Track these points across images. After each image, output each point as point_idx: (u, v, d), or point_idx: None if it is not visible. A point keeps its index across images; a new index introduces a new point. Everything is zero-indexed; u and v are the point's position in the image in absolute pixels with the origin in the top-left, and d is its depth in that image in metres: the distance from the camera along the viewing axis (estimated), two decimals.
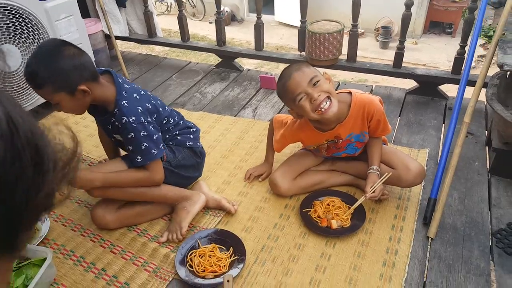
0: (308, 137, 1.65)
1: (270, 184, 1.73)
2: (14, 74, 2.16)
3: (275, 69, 5.06)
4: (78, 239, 1.58)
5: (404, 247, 1.47)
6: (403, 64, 2.42)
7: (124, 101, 1.42)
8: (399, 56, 2.37)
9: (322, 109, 1.42)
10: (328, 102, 1.42)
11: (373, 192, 1.52)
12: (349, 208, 1.60)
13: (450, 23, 6.73)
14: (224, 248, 1.48)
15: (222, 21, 2.86)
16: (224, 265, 1.42)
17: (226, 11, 7.55)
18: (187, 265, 1.43)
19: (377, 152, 1.62)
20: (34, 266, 1.36)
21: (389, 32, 6.45)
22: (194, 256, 1.45)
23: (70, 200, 1.77)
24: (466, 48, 2.09)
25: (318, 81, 1.42)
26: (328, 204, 1.64)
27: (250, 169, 1.85)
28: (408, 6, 2.22)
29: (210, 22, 7.49)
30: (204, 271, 1.40)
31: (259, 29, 2.75)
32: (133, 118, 1.40)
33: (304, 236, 1.55)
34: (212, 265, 1.41)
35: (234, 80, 2.80)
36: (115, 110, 1.42)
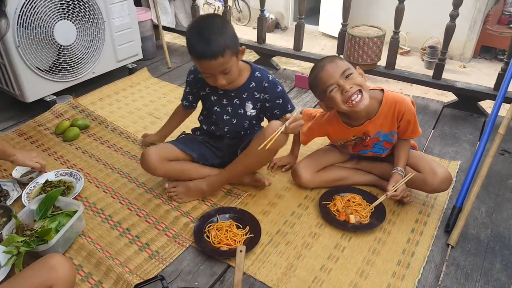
0: (336, 131, 1.68)
1: (292, 174, 1.77)
2: (68, 48, 2.33)
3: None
4: (108, 200, 1.70)
5: (421, 250, 1.47)
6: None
7: (257, 66, 1.63)
8: (439, 67, 2.36)
9: (353, 102, 1.45)
10: (359, 95, 1.45)
11: (395, 191, 1.52)
12: (371, 209, 1.61)
13: (504, 50, 6.51)
14: (241, 226, 1.54)
15: (264, 19, 2.95)
16: (239, 241, 1.47)
17: (271, 18, 7.68)
18: (204, 235, 1.50)
19: (404, 154, 1.62)
20: (67, 216, 1.47)
21: (436, 52, 6.32)
22: (212, 228, 1.52)
23: (104, 166, 1.90)
24: None
25: (350, 74, 1.45)
26: (348, 200, 1.66)
27: (275, 159, 1.90)
28: (453, 17, 2.21)
29: (254, 28, 7.64)
30: (219, 242, 1.46)
31: (299, 29, 2.82)
32: (272, 75, 1.63)
33: (320, 226, 1.58)
34: (228, 239, 1.47)
35: None
36: (256, 73, 1.60)
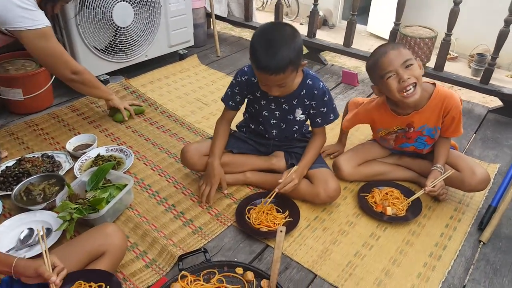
0: (381, 118, 1.70)
1: (333, 167, 1.82)
2: (125, 30, 2.47)
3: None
4: (156, 177, 1.83)
5: (453, 245, 1.51)
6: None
7: (310, 72, 1.62)
8: (488, 71, 2.33)
9: (407, 93, 1.48)
10: (413, 88, 1.48)
11: (433, 187, 1.55)
12: (408, 202, 1.65)
13: None
14: (281, 211, 1.62)
15: (317, 13, 2.99)
16: (279, 223, 1.56)
17: (319, 15, 7.63)
18: (245, 216, 1.59)
19: (444, 152, 1.64)
20: (117, 188, 1.60)
21: (484, 60, 6.08)
22: (253, 210, 1.61)
23: (153, 145, 2.04)
24: None
25: (411, 65, 1.47)
26: (386, 193, 1.71)
27: (325, 147, 1.94)
28: (508, 22, 2.18)
29: (301, 24, 7.61)
30: (259, 224, 1.56)
31: (351, 26, 2.84)
32: (323, 83, 1.61)
33: (357, 216, 1.64)
34: (268, 221, 1.56)
35: (317, 72, 2.92)
36: (308, 80, 1.59)
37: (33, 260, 1.11)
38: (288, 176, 1.56)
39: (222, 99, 1.72)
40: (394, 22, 2.65)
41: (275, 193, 1.56)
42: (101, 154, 1.88)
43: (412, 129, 1.65)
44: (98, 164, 1.77)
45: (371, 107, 1.72)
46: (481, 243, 1.51)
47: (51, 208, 1.57)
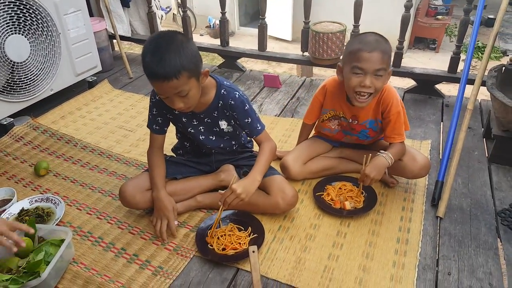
0: (333, 93, 1.66)
1: (281, 167, 1.77)
2: (23, 65, 2.16)
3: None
4: (95, 221, 1.59)
5: (415, 226, 1.53)
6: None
7: (224, 82, 1.50)
8: (398, 56, 2.48)
9: (359, 97, 1.49)
10: (367, 96, 1.49)
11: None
12: (361, 192, 1.65)
13: (434, 39, 7.00)
14: (243, 228, 1.51)
15: (226, 22, 2.93)
16: (244, 243, 1.44)
17: (217, 24, 7.67)
18: (207, 243, 1.45)
19: (395, 147, 1.61)
20: (52, 245, 1.34)
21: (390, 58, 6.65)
22: (214, 235, 1.47)
23: (82, 187, 1.78)
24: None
25: (381, 76, 1.45)
26: (340, 188, 1.70)
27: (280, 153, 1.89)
28: (408, 7, 2.36)
29: (201, 35, 7.57)
30: (225, 249, 1.42)
31: (262, 29, 2.83)
32: (240, 92, 1.49)
33: (318, 217, 1.60)
34: (232, 243, 1.44)
35: (238, 80, 2.86)
36: (222, 91, 1.47)
37: None
38: (228, 189, 1.41)
39: (147, 125, 1.59)
40: (303, 21, 2.70)
41: (222, 209, 1.44)
42: (25, 208, 1.59)
43: (356, 122, 1.66)
44: (24, 220, 1.49)
45: (328, 81, 1.68)
46: (439, 218, 1.56)
47: None
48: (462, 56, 2.36)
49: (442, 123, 2.24)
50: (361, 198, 1.64)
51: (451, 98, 2.48)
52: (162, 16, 8.02)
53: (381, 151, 1.59)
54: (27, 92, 2.23)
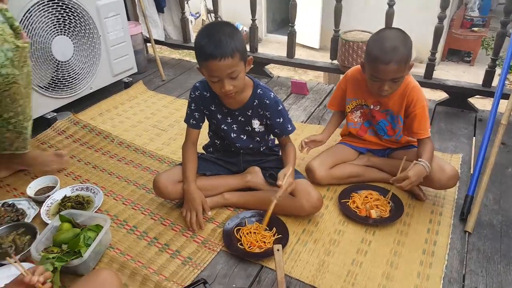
0: (355, 83, 1.76)
1: (306, 171, 1.82)
2: (66, 64, 2.32)
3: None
4: (130, 211, 1.70)
5: (442, 239, 1.55)
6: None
7: (260, 83, 1.61)
8: (430, 67, 2.50)
9: (380, 93, 1.59)
10: (387, 94, 1.58)
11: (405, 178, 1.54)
12: (388, 202, 1.68)
13: (469, 52, 6.88)
14: (267, 228, 1.57)
15: (256, 28, 3.03)
16: (269, 242, 1.51)
17: (245, 31, 7.81)
18: (235, 239, 1.53)
19: (426, 149, 1.64)
20: (89, 230, 1.45)
21: (411, 51, 6.59)
22: (241, 232, 1.55)
23: (118, 179, 1.90)
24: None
25: (398, 81, 1.55)
26: (366, 197, 1.73)
27: (309, 142, 1.85)
28: (441, 18, 2.38)
29: None
30: (250, 246, 1.49)
31: (291, 37, 2.91)
32: (274, 94, 1.61)
33: (343, 223, 1.64)
34: (257, 241, 1.50)
35: None
36: (258, 90, 1.58)
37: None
38: (286, 180, 1.49)
39: (184, 120, 1.69)
40: (334, 30, 2.75)
41: (273, 203, 1.48)
42: (67, 195, 1.72)
43: (379, 107, 1.72)
44: (67, 206, 1.62)
45: (350, 71, 1.78)
46: (467, 233, 1.57)
47: (25, 260, 1.39)
48: (498, 70, 2.35)
49: (474, 137, 2.23)
50: (387, 208, 1.67)
51: (484, 113, 2.47)
52: (191, 21, 8.28)
53: (419, 159, 1.59)
54: (69, 90, 2.39)
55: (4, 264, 1.39)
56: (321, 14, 6.75)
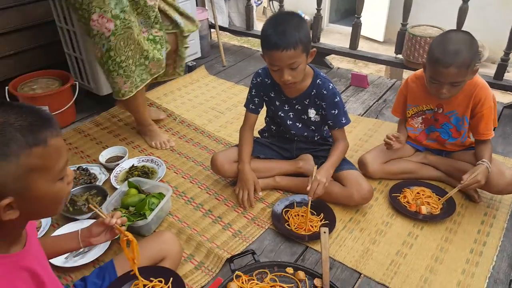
0: (415, 90, 1.76)
1: (359, 163, 1.87)
2: None
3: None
4: (188, 184, 1.87)
5: (493, 241, 1.55)
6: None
7: (320, 73, 1.67)
8: (501, 68, 2.41)
9: (440, 97, 1.60)
10: (445, 97, 1.59)
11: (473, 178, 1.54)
12: (439, 199, 1.70)
13: None
14: (315, 213, 1.66)
15: (320, 18, 3.07)
16: (315, 226, 1.59)
17: (306, 19, 7.78)
18: (283, 220, 1.63)
19: (486, 149, 1.65)
20: (153, 197, 1.63)
21: (478, 56, 6.23)
22: (289, 213, 1.65)
23: (179, 155, 2.07)
24: None
25: (458, 85, 1.55)
26: (418, 193, 1.75)
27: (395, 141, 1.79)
28: None
29: None
30: (297, 228, 1.59)
31: (356, 28, 2.92)
32: (333, 85, 1.66)
33: (391, 216, 1.68)
34: (305, 224, 1.59)
35: None
36: (318, 80, 1.65)
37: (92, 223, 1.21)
38: (313, 180, 1.58)
39: (244, 105, 1.80)
40: (401, 23, 2.73)
41: (310, 201, 1.58)
42: (135, 165, 1.92)
43: (442, 110, 1.71)
44: (134, 174, 1.82)
45: (410, 77, 1.78)
46: None
47: (95, 217, 1.60)
48: None
49: None
50: (439, 206, 1.68)
51: None
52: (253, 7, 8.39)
53: (483, 160, 1.60)
54: None
55: (78, 220, 1.61)
56: (389, 6, 6.58)
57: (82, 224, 1.57)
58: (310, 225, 1.60)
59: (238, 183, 1.74)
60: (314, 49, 1.56)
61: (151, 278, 1.17)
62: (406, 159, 1.89)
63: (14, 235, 0.82)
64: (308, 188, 1.56)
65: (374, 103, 2.61)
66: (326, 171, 1.61)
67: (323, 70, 3.07)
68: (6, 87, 2.18)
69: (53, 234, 1.53)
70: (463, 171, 1.62)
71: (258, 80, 1.73)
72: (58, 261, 1.40)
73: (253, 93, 1.76)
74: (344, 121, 1.68)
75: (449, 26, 2.55)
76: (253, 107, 1.77)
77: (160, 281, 1.17)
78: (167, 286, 1.16)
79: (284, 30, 1.44)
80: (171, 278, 1.18)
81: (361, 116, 2.46)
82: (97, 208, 1.19)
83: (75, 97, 2.29)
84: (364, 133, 2.26)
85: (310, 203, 1.57)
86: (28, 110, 0.74)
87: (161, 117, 2.34)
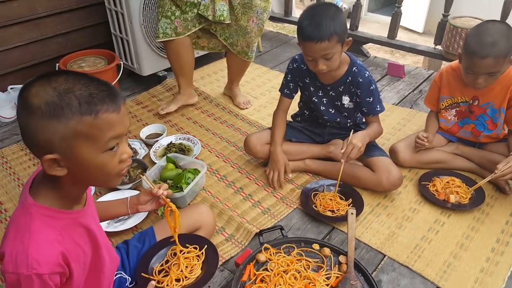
0: (450, 81, 1.79)
1: (390, 152, 1.91)
2: None
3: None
4: (221, 163, 1.98)
5: None
6: None
7: (357, 61, 1.72)
8: None
9: (475, 87, 1.63)
10: (480, 87, 1.62)
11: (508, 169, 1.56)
12: (469, 189, 1.72)
13: None
14: (343, 198, 1.73)
15: (360, 7, 3.08)
16: (343, 210, 1.66)
17: (344, 8, 7.68)
18: (311, 201, 1.71)
19: None
20: (189, 172, 1.75)
21: None
22: (317, 196, 1.73)
23: (213, 135, 2.19)
24: None
25: (494, 75, 1.57)
26: (447, 182, 1.79)
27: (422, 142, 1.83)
28: None
29: None
30: (324, 209, 1.67)
31: (396, 17, 2.92)
32: (369, 73, 1.70)
33: (419, 203, 1.73)
34: (333, 207, 1.67)
35: None
36: (354, 68, 1.69)
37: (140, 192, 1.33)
38: (348, 143, 1.58)
39: (279, 89, 1.88)
40: (442, 14, 2.72)
41: (342, 165, 1.59)
42: (172, 142, 2.05)
43: (477, 102, 1.73)
44: (171, 151, 1.95)
45: (445, 68, 1.81)
46: None
47: (136, 188, 1.75)
48: None
49: None
50: (468, 195, 1.71)
51: None
52: None
53: None
54: None
55: (119, 189, 1.75)
56: None
57: (123, 193, 1.71)
58: (338, 208, 1.67)
59: (270, 164, 1.84)
60: (350, 38, 1.60)
61: (187, 245, 1.28)
62: (438, 149, 1.92)
63: (75, 196, 0.93)
64: (342, 150, 1.59)
65: (410, 93, 2.63)
66: (362, 136, 1.63)
67: (360, 59, 3.08)
68: (57, 64, 2.35)
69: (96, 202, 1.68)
70: (495, 162, 1.64)
71: (294, 65, 1.80)
72: (102, 225, 1.54)
73: (288, 79, 1.83)
74: (378, 109, 1.73)
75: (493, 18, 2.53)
76: (287, 92, 1.85)
77: (196, 248, 1.28)
78: (201, 252, 1.27)
79: (319, 22, 1.49)
80: (206, 246, 1.28)
81: (396, 105, 2.49)
82: (147, 178, 1.30)
83: (119, 76, 2.44)
84: (398, 122, 2.29)
85: (341, 171, 1.61)
86: (96, 83, 0.83)
87: (191, 102, 2.40)
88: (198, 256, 1.25)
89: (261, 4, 2.12)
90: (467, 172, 1.87)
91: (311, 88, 1.80)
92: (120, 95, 0.87)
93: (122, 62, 2.47)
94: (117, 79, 2.43)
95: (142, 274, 1.20)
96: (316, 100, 1.82)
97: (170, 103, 2.33)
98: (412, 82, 2.75)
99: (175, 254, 1.25)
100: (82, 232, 0.93)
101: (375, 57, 3.15)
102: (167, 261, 1.25)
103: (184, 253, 1.25)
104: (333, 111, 1.83)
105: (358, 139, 1.59)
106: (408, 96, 2.59)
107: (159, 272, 1.23)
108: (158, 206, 1.29)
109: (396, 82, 2.76)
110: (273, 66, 3.02)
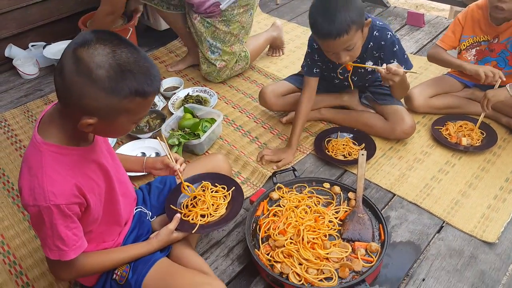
0: (477, 21, 1.82)
1: (405, 97, 1.95)
2: None
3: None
4: (237, 114, 2.10)
5: None
6: None
7: (377, 22, 1.65)
8: None
9: (498, 12, 1.68)
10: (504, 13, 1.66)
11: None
12: (482, 132, 1.78)
13: None
14: (356, 143, 1.81)
15: None
16: (356, 154, 1.75)
17: None
18: (324, 147, 1.81)
19: None
20: (206, 122, 1.86)
21: None
22: (330, 142, 1.83)
23: (230, 88, 2.29)
24: None
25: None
26: (460, 126, 1.84)
27: None
28: None
29: None
30: (336, 155, 1.76)
31: None
32: (392, 33, 1.64)
33: (431, 147, 1.80)
34: (344, 152, 1.77)
35: (379, 15, 3.00)
36: (375, 32, 1.63)
37: (159, 157, 1.45)
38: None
39: (305, 72, 1.79)
40: None
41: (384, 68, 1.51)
42: (189, 94, 2.16)
43: (497, 39, 1.76)
44: (189, 102, 2.07)
45: (471, 7, 1.84)
46: None
47: (155, 137, 1.88)
48: None
49: None
50: (480, 137, 1.77)
51: None
52: None
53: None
54: None
55: (140, 138, 1.89)
56: None
57: (143, 142, 1.86)
58: (349, 152, 1.77)
59: (278, 152, 1.77)
60: (369, 19, 1.55)
61: (216, 184, 1.37)
62: (453, 94, 1.96)
63: (81, 135, 1.02)
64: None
65: (428, 42, 2.63)
66: (398, 66, 1.55)
67: (379, 9, 3.07)
68: (78, 21, 2.41)
69: (117, 151, 1.78)
70: (510, 105, 1.68)
71: (314, 46, 1.73)
72: None
73: (309, 62, 1.77)
74: (404, 68, 1.61)
75: None
76: (317, 70, 1.77)
77: (224, 188, 1.36)
78: (228, 193, 1.35)
79: (333, 15, 1.41)
80: (233, 188, 1.35)
81: (413, 54, 2.50)
82: (165, 143, 1.36)
83: (129, 33, 2.39)
84: (415, 70, 2.30)
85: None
86: (149, 65, 0.92)
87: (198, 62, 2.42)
88: (225, 196, 1.34)
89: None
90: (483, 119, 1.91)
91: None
92: (160, 78, 0.98)
93: (139, 17, 2.54)
94: (129, 35, 2.41)
95: (171, 206, 1.30)
96: (340, 71, 1.80)
97: (179, 63, 2.47)
98: (432, 31, 2.74)
99: (203, 190, 1.34)
100: (94, 168, 1.05)
101: (395, 7, 3.12)
102: (194, 197, 1.33)
103: (213, 191, 1.34)
104: (356, 78, 1.83)
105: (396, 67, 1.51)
106: (427, 45, 2.59)
107: (186, 206, 1.31)
108: (171, 174, 1.35)
109: (415, 32, 2.75)
110: (291, 19, 3.04)
